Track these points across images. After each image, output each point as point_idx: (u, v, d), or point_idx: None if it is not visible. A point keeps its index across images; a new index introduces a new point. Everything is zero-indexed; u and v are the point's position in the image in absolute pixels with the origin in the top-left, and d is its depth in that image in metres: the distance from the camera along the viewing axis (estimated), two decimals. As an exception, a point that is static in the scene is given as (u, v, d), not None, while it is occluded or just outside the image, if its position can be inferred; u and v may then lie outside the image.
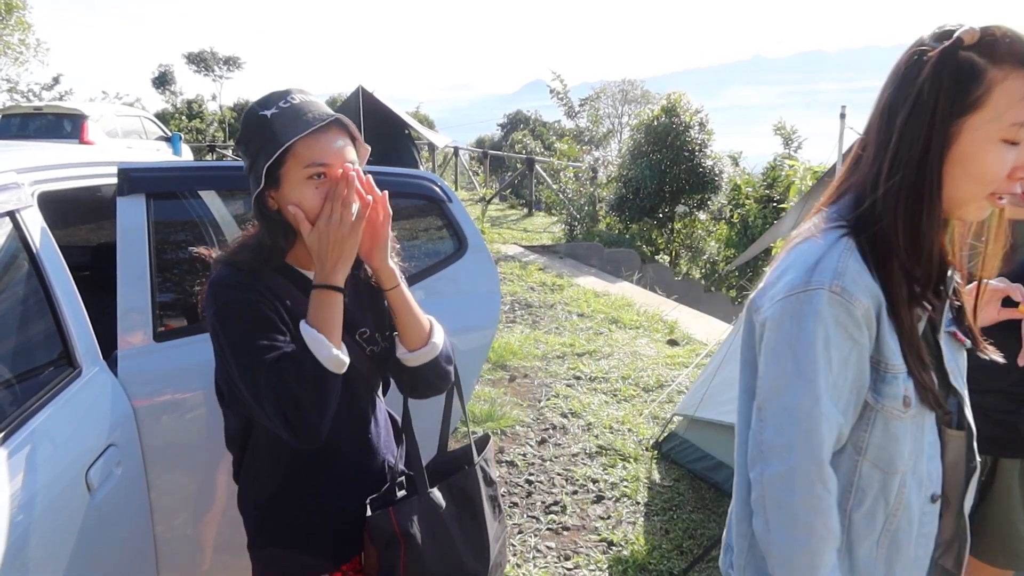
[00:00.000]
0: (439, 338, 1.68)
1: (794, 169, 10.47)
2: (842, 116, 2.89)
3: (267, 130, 1.48)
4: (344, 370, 1.50)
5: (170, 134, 12.51)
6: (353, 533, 1.66)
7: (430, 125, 26.78)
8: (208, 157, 20.58)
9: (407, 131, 18.21)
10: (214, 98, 36.31)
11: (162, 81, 35.12)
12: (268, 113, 1.49)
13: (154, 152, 10.74)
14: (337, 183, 1.47)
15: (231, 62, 37.88)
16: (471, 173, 18.64)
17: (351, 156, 1.54)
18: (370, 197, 1.53)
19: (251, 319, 1.47)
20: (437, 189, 2.59)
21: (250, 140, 1.51)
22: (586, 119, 15.32)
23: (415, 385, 1.73)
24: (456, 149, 19.84)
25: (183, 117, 30.86)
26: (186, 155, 12.26)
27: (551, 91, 14.19)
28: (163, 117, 27.63)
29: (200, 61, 37.15)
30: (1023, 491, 1.83)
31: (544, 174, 15.13)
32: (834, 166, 3.07)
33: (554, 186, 14.09)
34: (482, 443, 1.86)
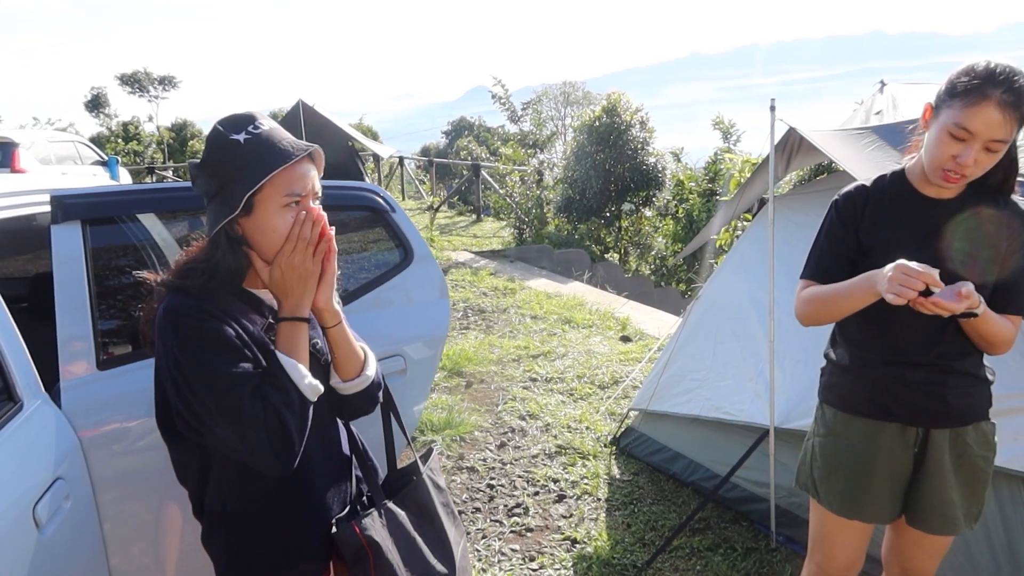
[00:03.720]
0: (372, 369, 1.73)
1: (733, 162, 10.70)
2: (772, 109, 2.98)
3: (241, 156, 1.47)
4: (317, 397, 1.53)
5: (106, 158, 12.20)
6: (327, 553, 1.67)
7: (375, 136, 26.60)
8: (147, 179, 20.12)
9: (351, 143, 18.09)
10: (151, 119, 35.44)
11: (95, 104, 34.16)
12: (240, 138, 1.48)
13: (90, 177, 10.46)
14: (300, 223, 1.48)
15: (166, 82, 37.04)
16: (418, 182, 18.58)
17: (318, 186, 1.56)
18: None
19: (220, 346, 1.45)
20: (380, 200, 2.60)
21: (219, 164, 1.50)
22: (529, 123, 15.40)
23: (344, 409, 1.77)
24: (401, 159, 19.77)
25: (119, 140, 30.06)
26: (124, 178, 11.97)
27: (493, 97, 14.25)
28: (98, 141, 26.91)
29: (134, 82, 36.24)
30: (953, 460, 1.92)
31: (491, 179, 15.17)
32: (767, 157, 3.16)
33: (501, 191, 14.14)
34: (426, 455, 1.91)
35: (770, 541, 3.39)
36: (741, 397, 3.62)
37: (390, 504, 1.73)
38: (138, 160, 27.75)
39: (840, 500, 2.00)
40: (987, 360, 1.95)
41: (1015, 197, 1.89)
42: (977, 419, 1.92)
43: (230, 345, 1.46)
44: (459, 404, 5.19)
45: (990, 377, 1.95)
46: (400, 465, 1.94)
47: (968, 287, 1.62)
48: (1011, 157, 1.83)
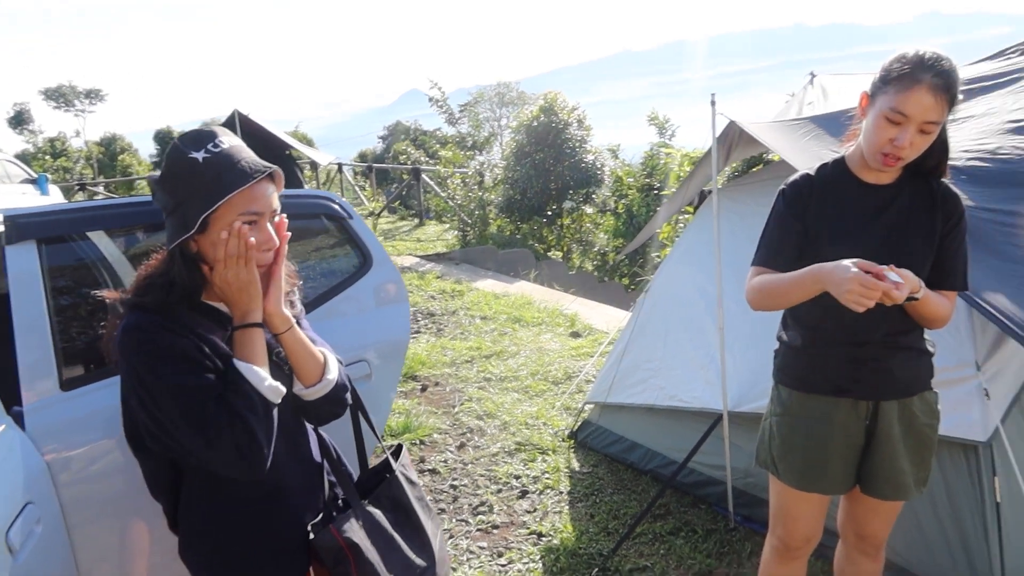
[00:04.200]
0: (334, 372, 1.73)
1: (671, 157, 10.93)
2: (712, 104, 3.08)
3: (200, 176, 1.48)
4: (280, 399, 1.54)
5: (36, 175, 11.76)
6: (305, 560, 1.69)
7: (310, 143, 26.24)
8: (79, 196, 19.43)
9: (288, 152, 17.82)
10: (78, 134, 34.23)
11: (19, 120, 32.83)
12: (199, 157, 1.49)
13: (21, 196, 10.09)
14: (225, 242, 1.49)
15: (93, 95, 35.81)
16: (357, 188, 18.42)
17: (276, 203, 1.58)
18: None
19: (181, 359, 1.47)
20: (336, 207, 2.61)
21: (177, 182, 1.50)
22: (467, 125, 15.44)
23: (311, 414, 1.77)
24: (340, 165, 19.56)
25: (47, 156, 28.96)
26: (55, 196, 11.55)
27: (431, 100, 14.23)
28: (24, 158, 25.84)
29: (59, 96, 34.93)
30: (902, 429, 2.03)
31: (431, 183, 15.16)
32: (709, 150, 3.27)
33: (442, 194, 14.14)
34: (397, 452, 1.94)
35: (729, 521, 3.50)
36: (694, 384, 3.73)
37: (366, 505, 1.76)
38: (68, 177, 26.79)
39: (799, 475, 2.10)
40: (927, 334, 2.07)
41: (945, 180, 2.02)
42: (921, 389, 2.04)
43: (191, 358, 1.48)
44: (416, 408, 5.20)
45: (931, 349, 2.07)
46: (372, 464, 1.97)
47: (908, 275, 1.73)
48: (942, 140, 1.95)
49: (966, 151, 3.10)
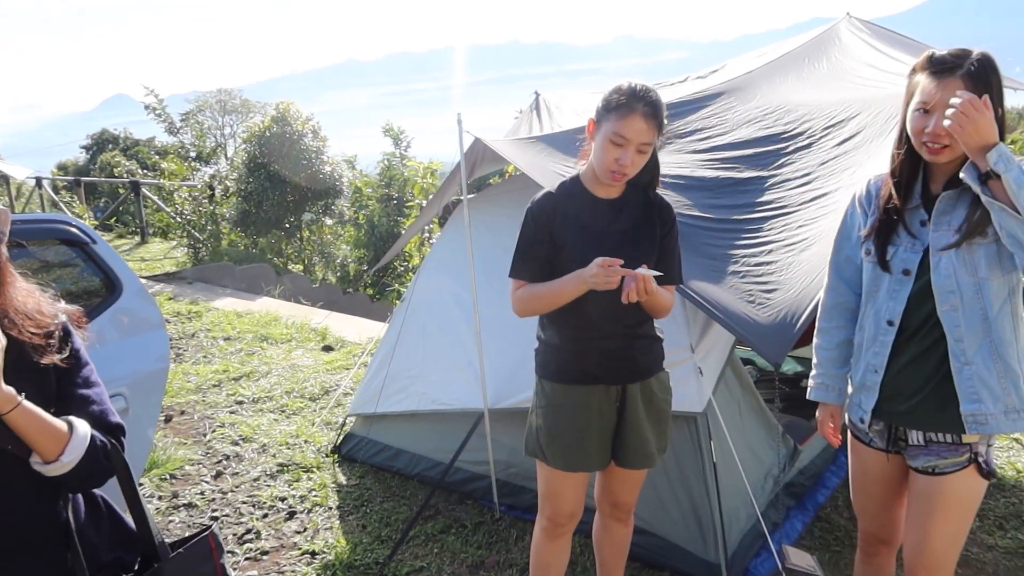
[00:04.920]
0: (79, 444, 1.51)
1: (414, 169, 11.16)
2: (459, 122, 3.28)
3: None
4: None
5: None
6: None
7: (-6, 153, 22.82)
8: None
9: (-33, 164, 15.39)
10: None
11: None
12: None
13: None
14: None
15: None
16: (63, 205, 16.42)
17: None
18: None
19: None
20: (75, 231, 2.41)
21: None
22: (190, 134, 14.46)
23: (64, 485, 1.58)
24: (39, 179, 17.26)
25: None
26: None
27: (146, 107, 13.10)
28: None
29: None
30: (645, 406, 2.37)
31: (154, 197, 14.00)
32: (458, 164, 3.48)
33: (168, 208, 13.12)
34: (188, 541, 1.77)
35: (495, 513, 3.74)
36: (454, 387, 3.93)
37: None
38: None
39: (564, 458, 2.36)
40: (656, 323, 2.43)
41: (659, 191, 2.39)
42: (658, 371, 2.40)
43: None
44: (162, 440, 4.85)
45: (660, 335, 2.44)
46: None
47: (643, 272, 2.04)
48: (655, 160, 2.32)
49: (670, 166, 3.63)
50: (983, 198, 1.83)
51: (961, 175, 1.88)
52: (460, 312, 4.02)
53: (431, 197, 4.80)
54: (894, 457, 2.20)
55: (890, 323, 2.07)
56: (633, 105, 2.12)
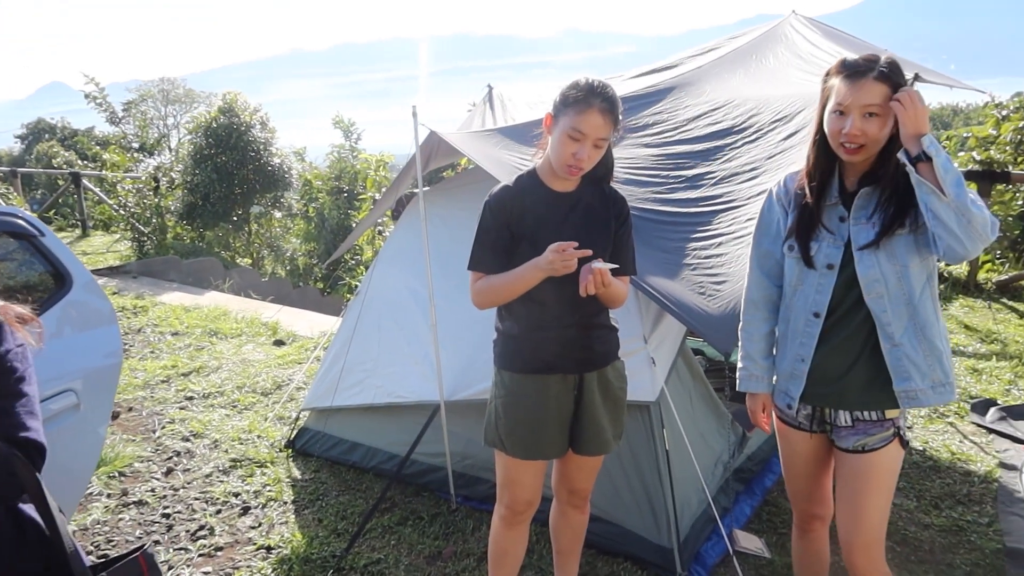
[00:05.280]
0: None
1: (365, 162, 11.06)
2: (414, 115, 3.28)
3: None
4: None
5: None
6: None
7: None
8: None
9: None
10: None
11: None
12: None
13: None
14: None
15: None
16: (-2, 196, 15.84)
17: None
18: None
19: None
20: (22, 223, 2.36)
21: None
22: (133, 125, 14.06)
23: None
24: (-31, 169, 16.62)
25: None
26: None
27: (86, 96, 12.70)
28: None
29: None
30: (601, 394, 2.42)
31: (95, 189, 13.60)
32: (412, 158, 3.48)
33: (110, 201, 12.76)
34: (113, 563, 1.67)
35: (451, 504, 3.77)
36: (410, 380, 3.93)
37: None
38: None
39: (523, 447, 2.39)
40: (611, 313, 2.48)
41: (613, 185, 2.44)
42: (613, 359, 2.45)
43: None
44: (110, 437, 4.74)
45: (616, 325, 2.49)
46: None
47: (599, 266, 2.08)
48: (610, 155, 2.37)
49: (623, 161, 3.69)
50: (913, 177, 1.95)
51: (898, 155, 1.99)
52: (415, 305, 4.03)
53: (384, 190, 4.79)
54: (817, 436, 2.31)
55: (816, 315, 2.18)
56: (590, 100, 2.16)
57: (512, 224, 2.31)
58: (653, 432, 3.22)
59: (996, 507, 3.73)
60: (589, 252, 2.08)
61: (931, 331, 2.11)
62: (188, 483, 4.19)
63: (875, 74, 1.97)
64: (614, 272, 2.25)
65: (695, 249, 3.29)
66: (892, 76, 1.98)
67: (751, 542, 3.34)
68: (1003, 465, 4.15)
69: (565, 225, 2.31)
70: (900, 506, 3.72)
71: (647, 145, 3.92)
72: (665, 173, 3.67)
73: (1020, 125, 8.64)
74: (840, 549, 2.30)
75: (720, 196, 3.53)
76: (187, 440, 4.74)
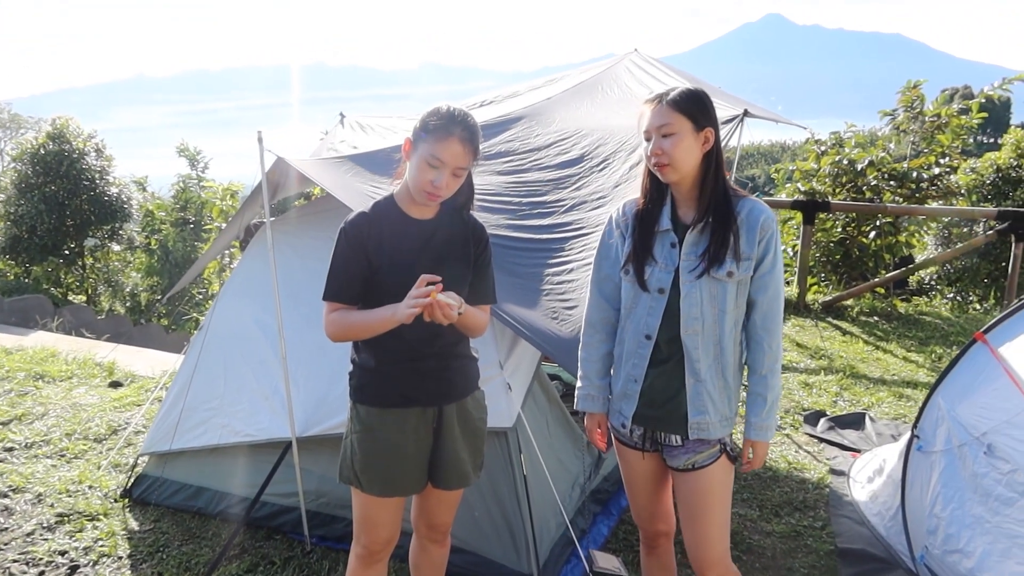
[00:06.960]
0: None
1: (212, 191, 10.59)
2: (260, 140, 3.15)
3: None
4: None
5: None
6: None
7: None
8: None
9: None
10: None
11: None
12: None
13: None
14: None
15: None
16: None
17: None
18: None
19: None
20: None
21: None
22: (-54, 150, 12.82)
23: None
24: None
25: None
26: None
27: None
28: None
29: None
30: (461, 426, 2.38)
31: None
32: (258, 185, 3.35)
33: (-85, 234, 11.51)
34: None
35: (305, 546, 3.59)
36: (259, 417, 3.74)
37: None
38: None
39: (381, 483, 2.31)
40: (471, 342, 2.46)
41: (472, 213, 2.43)
42: (473, 390, 2.42)
43: None
44: (-91, 499, 4.20)
45: (476, 355, 2.47)
46: None
47: (453, 296, 2.05)
48: (470, 182, 2.36)
49: (478, 188, 3.71)
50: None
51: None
52: (264, 338, 3.85)
53: (231, 219, 4.57)
54: (651, 455, 2.40)
55: (648, 337, 2.28)
56: (451, 128, 2.13)
57: (370, 252, 2.24)
58: (511, 458, 3.22)
59: (828, 511, 3.99)
60: (435, 298, 2.01)
61: (728, 371, 2.28)
62: (6, 544, 3.76)
63: (668, 100, 2.19)
64: (473, 300, 2.23)
65: (548, 275, 3.35)
66: (680, 102, 2.18)
67: (608, 562, 3.39)
68: (833, 471, 4.46)
69: (423, 253, 2.27)
70: (744, 516, 3.91)
71: (500, 172, 3.97)
72: (518, 200, 3.73)
73: (836, 159, 9.50)
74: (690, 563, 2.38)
75: (571, 223, 3.62)
76: (5, 496, 4.26)
